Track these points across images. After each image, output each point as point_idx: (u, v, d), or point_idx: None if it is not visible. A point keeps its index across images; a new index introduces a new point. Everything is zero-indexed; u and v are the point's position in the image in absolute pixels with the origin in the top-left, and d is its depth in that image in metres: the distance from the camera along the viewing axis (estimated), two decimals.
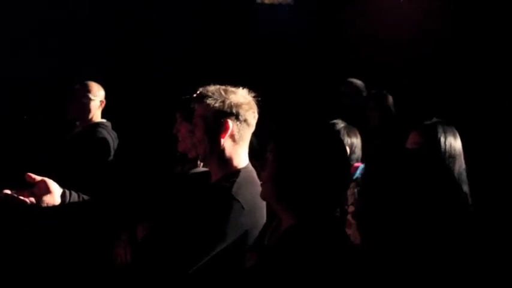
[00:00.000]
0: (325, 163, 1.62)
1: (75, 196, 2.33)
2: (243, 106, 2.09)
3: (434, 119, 2.68)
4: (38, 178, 2.21)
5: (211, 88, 2.11)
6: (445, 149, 2.58)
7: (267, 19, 5.56)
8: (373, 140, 3.35)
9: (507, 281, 1.96)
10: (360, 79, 4.54)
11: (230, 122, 2.07)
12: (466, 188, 2.61)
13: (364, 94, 4.44)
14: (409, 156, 1.47)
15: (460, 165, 2.61)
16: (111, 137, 3.65)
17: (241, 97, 2.11)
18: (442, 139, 2.59)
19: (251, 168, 2.16)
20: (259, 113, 2.16)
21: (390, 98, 4.22)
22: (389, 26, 4.92)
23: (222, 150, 2.09)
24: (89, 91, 3.69)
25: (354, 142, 2.96)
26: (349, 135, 2.95)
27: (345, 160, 1.70)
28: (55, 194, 2.22)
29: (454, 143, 2.61)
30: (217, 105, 2.07)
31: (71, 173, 3.29)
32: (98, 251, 2.81)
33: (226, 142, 2.09)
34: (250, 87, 2.16)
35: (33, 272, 3.18)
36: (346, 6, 5.35)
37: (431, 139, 2.58)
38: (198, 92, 2.13)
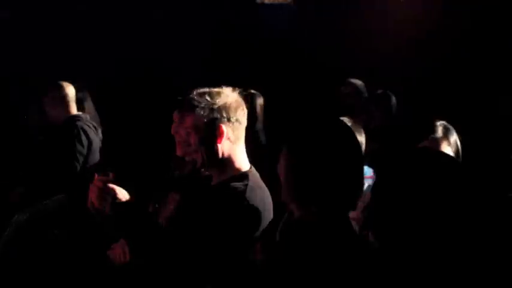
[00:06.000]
0: (339, 160, 1.60)
1: None
2: (231, 107, 2.06)
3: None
4: None
5: (197, 97, 2.05)
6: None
7: (266, 19, 5.55)
8: (374, 141, 3.33)
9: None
10: (360, 79, 4.52)
11: (224, 126, 2.04)
12: None
13: (365, 95, 4.42)
14: (424, 156, 1.43)
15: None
16: (88, 126, 3.71)
17: (227, 97, 2.07)
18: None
19: (255, 171, 2.15)
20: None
21: (393, 99, 4.19)
22: (389, 26, 4.91)
23: (221, 155, 2.06)
24: (59, 90, 3.75)
25: (360, 141, 2.96)
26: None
27: (359, 156, 1.66)
28: None
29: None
30: (206, 113, 2.02)
31: (49, 166, 3.47)
32: (96, 251, 2.79)
33: (223, 146, 2.06)
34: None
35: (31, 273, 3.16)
36: (346, 6, 5.34)
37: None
38: (185, 102, 2.06)
